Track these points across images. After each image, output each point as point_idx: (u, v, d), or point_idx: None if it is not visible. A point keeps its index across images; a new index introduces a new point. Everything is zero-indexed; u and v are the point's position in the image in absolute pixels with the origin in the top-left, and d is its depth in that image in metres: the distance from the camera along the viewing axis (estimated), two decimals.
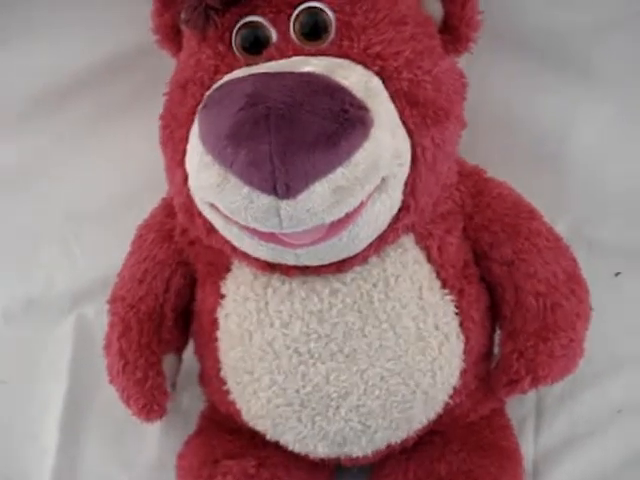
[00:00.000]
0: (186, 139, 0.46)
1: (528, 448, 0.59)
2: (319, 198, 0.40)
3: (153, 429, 0.63)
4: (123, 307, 0.55)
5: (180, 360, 0.59)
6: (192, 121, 0.45)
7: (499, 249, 0.52)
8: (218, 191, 0.41)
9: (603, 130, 0.66)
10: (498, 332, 0.56)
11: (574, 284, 0.53)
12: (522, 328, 0.52)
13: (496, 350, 0.56)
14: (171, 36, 0.52)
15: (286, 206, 0.40)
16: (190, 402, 0.65)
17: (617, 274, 0.68)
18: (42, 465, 0.61)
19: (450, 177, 0.50)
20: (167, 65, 0.58)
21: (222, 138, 0.40)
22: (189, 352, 0.65)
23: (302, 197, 0.40)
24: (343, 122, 0.40)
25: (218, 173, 0.41)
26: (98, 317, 0.69)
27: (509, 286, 0.52)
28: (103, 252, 0.71)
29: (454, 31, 0.48)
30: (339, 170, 0.40)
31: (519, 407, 0.62)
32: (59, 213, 0.73)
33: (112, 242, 0.68)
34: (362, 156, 0.41)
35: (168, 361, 0.56)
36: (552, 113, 0.66)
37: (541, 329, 0.52)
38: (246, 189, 0.40)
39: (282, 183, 0.39)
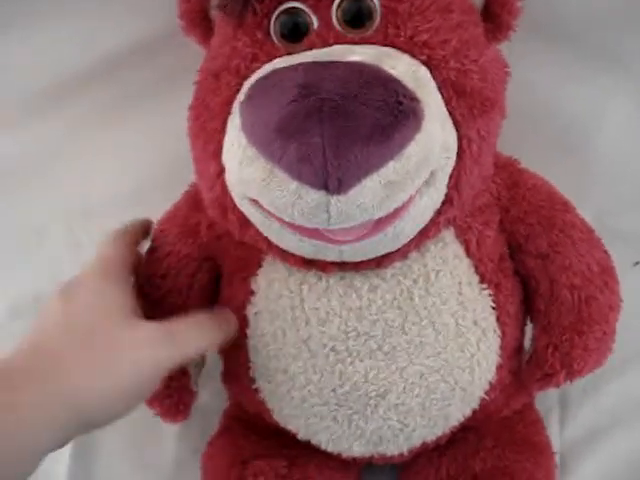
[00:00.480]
0: (221, 130, 0.44)
1: (554, 441, 0.58)
2: (370, 193, 0.39)
3: (170, 429, 0.61)
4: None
5: (204, 358, 0.57)
6: (227, 112, 0.43)
7: (534, 241, 0.51)
8: (263, 186, 0.39)
9: (631, 119, 0.66)
10: (529, 326, 0.55)
11: (607, 276, 0.52)
12: (557, 321, 0.51)
13: (526, 344, 0.55)
14: (197, 22, 0.49)
15: (336, 202, 0.38)
16: (209, 400, 0.63)
17: (637, 263, 0.67)
18: (56, 472, 0.59)
19: (489, 169, 0.49)
20: (177, 59, 0.57)
21: (270, 131, 0.38)
22: None
23: (353, 192, 0.38)
24: (397, 114, 0.38)
25: (264, 167, 0.39)
26: None
27: (543, 279, 0.51)
28: None
29: (495, 18, 0.46)
30: (391, 164, 0.39)
31: (543, 400, 0.61)
32: (65, 207, 0.71)
33: None
34: (414, 149, 0.39)
35: (193, 360, 0.54)
36: (582, 104, 0.65)
37: (576, 322, 0.51)
38: (295, 184, 0.38)
39: (334, 178, 0.37)
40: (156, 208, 0.55)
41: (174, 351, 0.46)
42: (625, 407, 0.61)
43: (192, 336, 0.47)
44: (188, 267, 0.53)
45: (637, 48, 0.62)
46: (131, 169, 0.69)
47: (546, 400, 0.61)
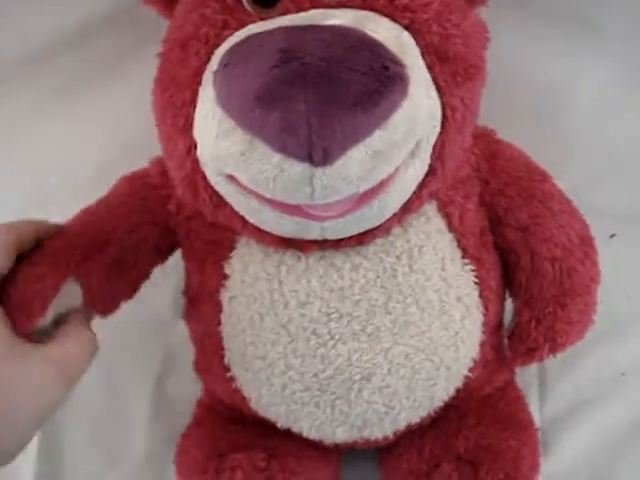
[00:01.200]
0: (190, 104, 0.41)
1: (534, 415, 0.57)
2: (356, 164, 0.37)
3: (140, 420, 0.59)
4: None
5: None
6: (197, 83, 0.41)
7: (514, 214, 0.49)
8: (242, 160, 0.37)
9: (607, 90, 0.65)
10: (508, 302, 0.54)
11: (587, 247, 0.51)
12: (539, 295, 0.50)
13: (505, 320, 0.54)
14: None
15: (321, 174, 0.36)
16: (175, 388, 0.61)
17: (612, 236, 0.67)
18: (23, 468, 0.57)
19: (469, 140, 0.47)
20: (138, 28, 0.54)
21: (250, 100, 0.35)
22: (173, 335, 0.61)
23: (339, 163, 0.36)
24: (384, 80, 0.36)
25: (243, 140, 0.36)
26: None
27: (524, 252, 0.50)
28: None
29: None
30: (377, 133, 0.37)
31: (522, 376, 0.60)
32: (24, 188, 0.67)
33: None
34: (401, 117, 0.37)
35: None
36: (555, 72, 0.64)
37: (558, 295, 0.50)
38: (277, 157, 0.36)
39: (319, 148, 0.35)
40: None
41: (67, 383, 0.43)
42: (604, 380, 0.61)
43: (78, 360, 0.44)
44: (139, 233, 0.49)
45: (609, 17, 0.61)
46: (90, 150, 0.66)
47: (525, 376, 0.61)
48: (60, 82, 0.63)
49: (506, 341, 0.53)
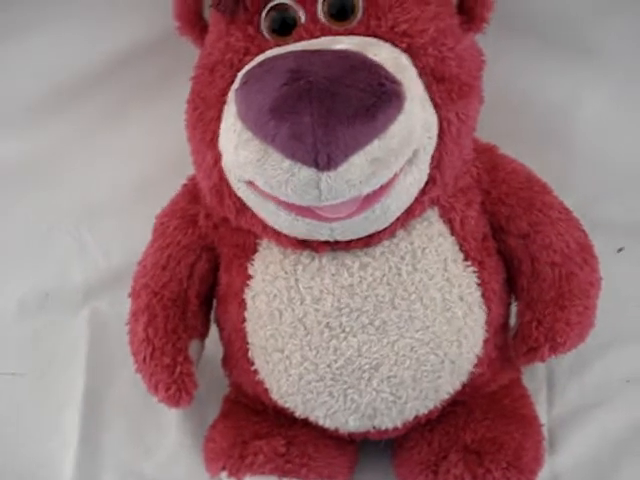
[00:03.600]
0: (217, 120, 0.47)
1: (543, 417, 0.60)
2: (357, 169, 0.42)
3: (171, 416, 0.63)
4: (147, 294, 0.56)
5: (203, 346, 0.59)
6: (223, 102, 0.47)
7: (515, 222, 0.54)
8: (258, 166, 0.42)
9: (606, 109, 0.69)
10: (513, 305, 0.58)
11: (586, 254, 0.55)
12: (539, 297, 0.54)
13: (512, 322, 0.58)
14: (193, 22, 0.53)
15: (326, 178, 0.41)
16: (206, 388, 0.65)
17: (620, 250, 0.70)
18: (65, 457, 0.61)
19: (469, 153, 0.52)
20: (175, 58, 0.60)
21: (265, 113, 0.41)
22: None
23: (342, 169, 0.41)
24: (380, 95, 0.41)
25: (259, 148, 0.42)
26: (113, 308, 0.70)
27: (525, 257, 0.54)
28: (117, 243, 0.72)
29: (469, 11, 0.50)
30: (376, 142, 0.42)
31: (531, 380, 0.63)
32: (72, 205, 0.73)
33: (125, 233, 0.70)
34: (397, 128, 0.42)
35: (193, 347, 0.57)
36: (558, 93, 0.68)
37: (557, 297, 0.54)
38: (287, 162, 0.41)
39: (324, 155, 0.40)
40: (159, 206, 0.58)
41: None
42: (609, 385, 0.63)
43: None
44: (188, 257, 0.56)
45: (609, 39, 0.66)
46: (133, 167, 0.72)
47: (534, 381, 0.64)
48: (104, 108, 0.70)
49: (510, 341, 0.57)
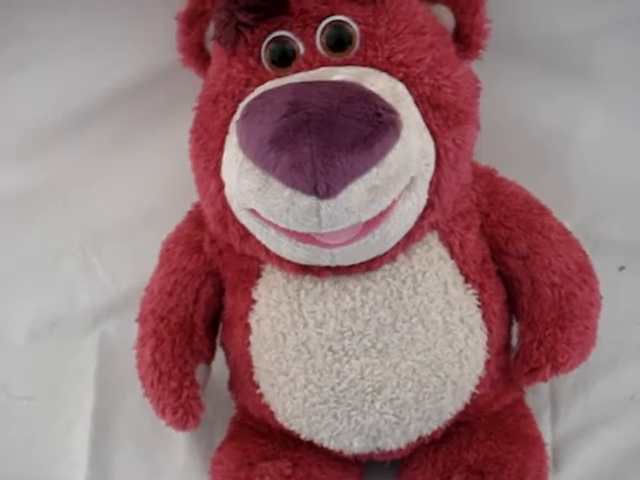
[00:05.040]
0: (219, 150, 0.48)
1: (546, 436, 0.61)
2: (356, 197, 0.43)
3: (179, 438, 0.64)
4: (154, 319, 0.57)
5: (210, 370, 0.60)
6: (225, 132, 0.48)
7: (514, 244, 0.54)
8: (260, 195, 0.43)
9: (603, 131, 0.70)
10: (515, 326, 0.59)
11: (586, 274, 0.55)
12: (540, 318, 0.55)
13: (514, 343, 0.59)
14: (196, 54, 0.54)
15: (326, 206, 0.42)
16: (214, 410, 0.66)
17: (621, 268, 0.71)
18: (74, 478, 0.62)
19: (467, 177, 0.53)
20: (180, 87, 0.61)
21: (265, 144, 0.42)
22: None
23: (341, 196, 0.42)
24: (377, 125, 0.42)
25: (260, 178, 0.43)
26: (121, 332, 0.71)
27: (525, 279, 0.55)
28: (124, 267, 0.73)
29: (465, 39, 0.51)
30: (374, 170, 0.43)
31: (535, 399, 0.64)
32: (79, 230, 0.74)
33: (133, 258, 0.71)
34: (394, 157, 0.43)
35: (200, 371, 0.58)
36: (555, 116, 0.69)
37: (558, 318, 0.54)
38: (288, 191, 0.42)
39: (323, 183, 0.42)
40: (166, 230, 0.59)
41: None
42: (613, 404, 0.64)
43: None
44: (193, 282, 0.57)
45: (604, 63, 0.67)
46: (140, 193, 0.73)
47: (538, 399, 0.64)
48: (112, 136, 0.71)
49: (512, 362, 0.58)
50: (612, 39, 0.65)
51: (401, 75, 0.47)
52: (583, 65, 0.67)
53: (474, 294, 0.53)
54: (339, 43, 0.48)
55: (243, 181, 0.44)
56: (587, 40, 0.65)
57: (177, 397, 0.55)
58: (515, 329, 0.58)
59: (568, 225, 0.57)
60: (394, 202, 0.45)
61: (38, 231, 0.74)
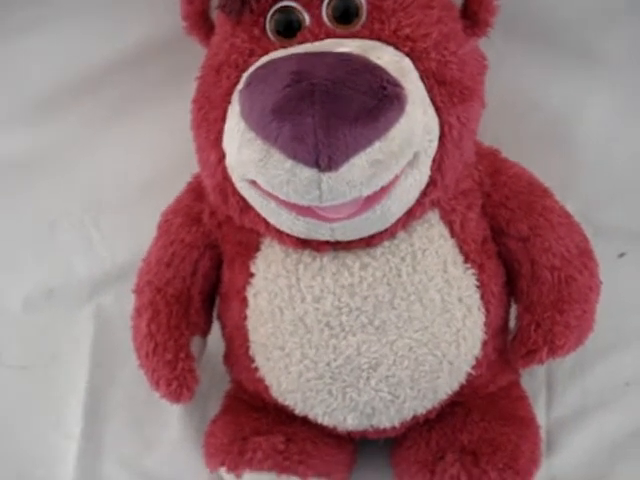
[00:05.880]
0: (221, 120, 0.47)
1: (541, 419, 0.61)
2: (358, 171, 0.42)
3: (174, 410, 0.64)
4: (150, 291, 0.57)
5: (205, 343, 0.60)
6: (227, 102, 0.47)
7: (515, 225, 0.54)
8: (260, 166, 0.43)
9: (611, 115, 0.69)
10: (513, 308, 0.58)
11: (586, 258, 0.55)
12: (538, 300, 0.54)
13: (511, 324, 0.59)
14: (200, 22, 0.53)
15: (327, 179, 0.42)
16: (209, 383, 0.65)
17: (621, 255, 0.70)
18: (67, 450, 0.62)
19: (470, 156, 0.52)
20: (182, 56, 0.61)
21: (267, 113, 0.42)
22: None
23: (343, 170, 0.42)
24: (382, 98, 0.42)
25: (261, 148, 0.43)
26: (118, 303, 0.71)
27: (525, 261, 0.55)
28: (122, 239, 0.73)
29: (473, 15, 0.51)
30: (377, 144, 0.42)
31: (531, 382, 0.64)
32: (78, 201, 0.74)
33: (131, 229, 0.71)
34: (398, 131, 0.43)
35: (196, 343, 0.58)
36: (562, 99, 0.68)
37: (557, 301, 0.54)
38: (289, 163, 0.42)
39: (325, 156, 0.41)
40: (165, 202, 0.59)
41: None
42: (609, 389, 0.63)
43: None
44: (192, 254, 0.56)
45: (612, 46, 0.66)
46: (139, 164, 0.72)
47: (533, 382, 0.64)
48: (111, 105, 0.71)
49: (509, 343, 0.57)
50: (621, 22, 0.64)
51: (407, 49, 0.46)
52: (591, 48, 0.66)
53: (473, 274, 0.52)
54: (345, 15, 0.48)
55: (244, 151, 0.44)
56: (596, 23, 0.65)
57: (172, 369, 0.55)
58: (513, 311, 0.58)
59: (570, 209, 0.57)
60: (396, 177, 0.44)
61: (36, 201, 0.74)
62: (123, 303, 0.62)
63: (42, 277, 0.75)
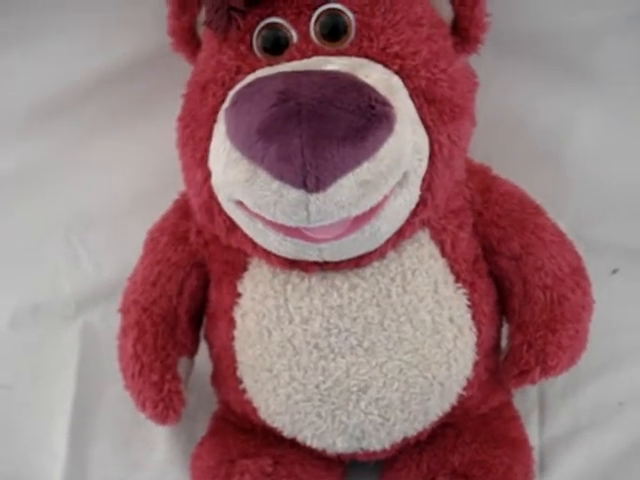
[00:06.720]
0: (207, 138, 0.47)
1: (534, 440, 0.60)
2: (347, 191, 0.41)
3: (161, 431, 0.63)
4: (136, 310, 0.56)
5: (192, 364, 0.59)
6: (213, 120, 0.46)
7: (507, 243, 0.53)
8: (247, 186, 0.42)
9: (601, 131, 0.69)
10: (505, 327, 0.58)
11: (579, 277, 0.54)
12: (531, 320, 0.54)
13: (503, 344, 0.58)
14: (187, 39, 0.53)
15: (315, 200, 0.41)
16: (196, 404, 0.64)
17: (614, 271, 0.70)
18: (52, 470, 0.61)
19: (461, 174, 0.51)
20: (169, 72, 0.60)
21: (253, 133, 0.41)
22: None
23: (331, 190, 0.41)
24: (370, 117, 0.41)
25: (247, 169, 0.42)
26: (104, 321, 0.70)
27: (517, 280, 0.54)
28: (109, 256, 0.72)
29: (463, 32, 0.50)
30: (365, 164, 0.41)
31: (523, 401, 0.63)
32: (64, 217, 0.73)
33: (118, 246, 0.70)
34: (387, 151, 0.42)
35: (182, 365, 0.57)
36: (552, 114, 0.68)
37: (549, 321, 0.53)
38: (276, 184, 0.41)
39: (312, 177, 0.40)
40: (151, 219, 0.58)
41: None
42: (602, 410, 0.63)
43: None
44: (178, 273, 0.55)
45: (602, 62, 0.66)
46: (126, 181, 0.72)
47: (526, 402, 0.63)
48: (98, 120, 0.70)
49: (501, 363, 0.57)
50: (611, 38, 0.64)
51: (396, 67, 0.46)
52: (581, 64, 0.66)
53: (464, 294, 0.52)
54: (334, 32, 0.47)
55: (230, 171, 0.43)
56: (586, 39, 0.64)
57: (158, 390, 0.54)
58: (505, 331, 0.57)
59: (561, 226, 0.56)
60: (385, 198, 0.44)
61: (22, 217, 0.73)
62: (110, 321, 0.61)
63: (28, 294, 0.74)
